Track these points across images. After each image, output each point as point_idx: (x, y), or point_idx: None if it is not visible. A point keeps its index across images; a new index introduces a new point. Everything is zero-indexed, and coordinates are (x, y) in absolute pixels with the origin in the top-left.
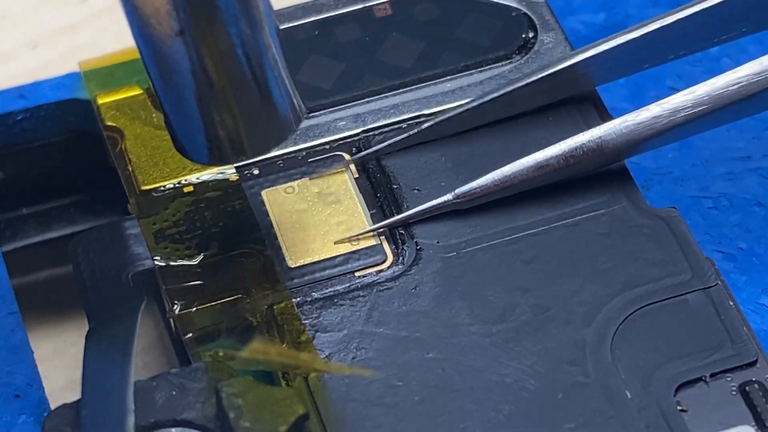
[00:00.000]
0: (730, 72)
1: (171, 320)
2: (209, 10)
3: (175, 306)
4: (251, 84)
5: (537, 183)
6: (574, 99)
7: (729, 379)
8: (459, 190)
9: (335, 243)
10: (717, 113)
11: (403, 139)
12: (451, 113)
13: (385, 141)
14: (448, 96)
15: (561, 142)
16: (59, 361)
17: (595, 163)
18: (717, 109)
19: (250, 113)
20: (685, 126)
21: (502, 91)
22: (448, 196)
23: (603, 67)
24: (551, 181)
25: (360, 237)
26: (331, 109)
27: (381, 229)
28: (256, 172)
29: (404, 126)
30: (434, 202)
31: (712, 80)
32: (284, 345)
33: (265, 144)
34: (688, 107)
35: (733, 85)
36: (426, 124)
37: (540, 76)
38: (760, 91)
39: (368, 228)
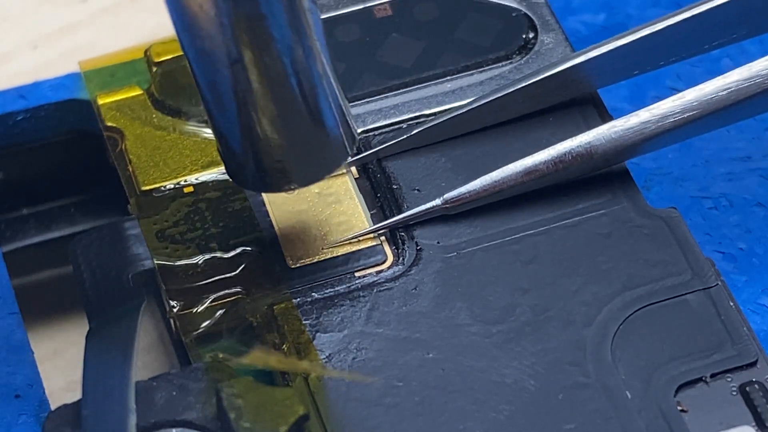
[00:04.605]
0: (718, 78)
1: (171, 320)
2: (264, 39)
3: (175, 306)
4: (305, 114)
5: (526, 188)
6: (575, 100)
7: (729, 379)
8: (447, 195)
9: (336, 244)
10: (706, 119)
11: (403, 140)
12: (452, 115)
13: (386, 141)
14: (448, 96)
15: (550, 148)
16: (59, 361)
17: (584, 168)
18: (706, 114)
19: (304, 142)
20: (674, 131)
21: (502, 93)
22: (437, 201)
23: (604, 70)
24: (540, 186)
25: (360, 237)
26: None
27: (375, 232)
28: None
29: (404, 126)
30: (422, 207)
31: (701, 86)
32: (284, 345)
33: (319, 171)
34: (677, 113)
35: (722, 90)
36: (426, 125)
37: (540, 77)
38: (748, 96)
39: (368, 228)
